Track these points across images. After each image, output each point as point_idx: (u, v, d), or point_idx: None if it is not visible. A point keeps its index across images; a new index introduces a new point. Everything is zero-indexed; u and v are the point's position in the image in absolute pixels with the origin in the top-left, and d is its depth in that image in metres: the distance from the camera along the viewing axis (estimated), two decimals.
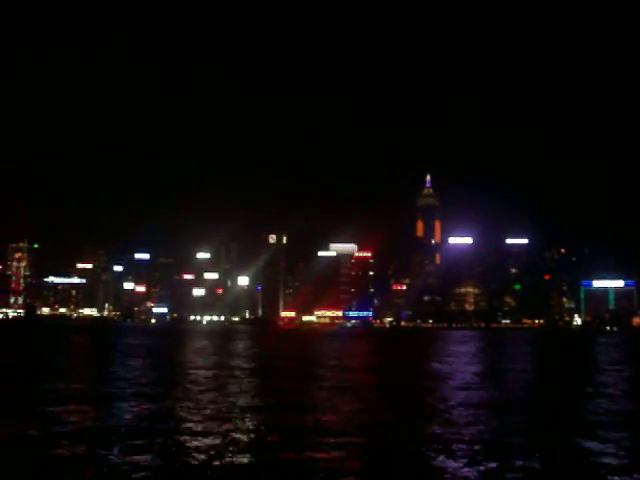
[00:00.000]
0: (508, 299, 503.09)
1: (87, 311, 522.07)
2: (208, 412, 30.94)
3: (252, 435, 25.25)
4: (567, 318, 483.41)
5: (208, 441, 23.43)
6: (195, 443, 22.91)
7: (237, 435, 25.00)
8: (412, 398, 37.36)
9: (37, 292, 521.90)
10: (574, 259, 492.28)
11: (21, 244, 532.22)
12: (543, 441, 24.15)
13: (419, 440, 24.15)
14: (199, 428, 26.20)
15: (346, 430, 26.05)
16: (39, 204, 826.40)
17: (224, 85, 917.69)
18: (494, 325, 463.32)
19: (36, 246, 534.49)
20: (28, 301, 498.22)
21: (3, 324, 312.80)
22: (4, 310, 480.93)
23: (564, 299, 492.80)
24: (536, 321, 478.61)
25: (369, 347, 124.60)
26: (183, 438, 24.04)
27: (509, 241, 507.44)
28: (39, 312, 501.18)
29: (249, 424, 27.77)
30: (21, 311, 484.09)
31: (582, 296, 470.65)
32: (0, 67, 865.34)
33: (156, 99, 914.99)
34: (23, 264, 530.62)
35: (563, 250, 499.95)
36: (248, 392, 39.41)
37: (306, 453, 21.89)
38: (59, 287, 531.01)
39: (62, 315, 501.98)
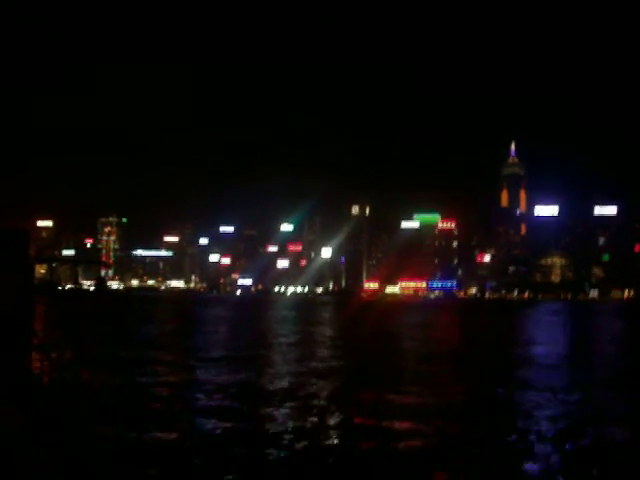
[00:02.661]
0: (596, 270, 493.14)
1: (174, 283, 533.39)
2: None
3: None
4: None
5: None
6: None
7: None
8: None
9: (126, 265, 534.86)
10: None
11: (110, 218, 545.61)
12: None
13: None
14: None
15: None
16: (127, 179, 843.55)
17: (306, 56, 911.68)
18: (581, 297, 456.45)
19: (124, 220, 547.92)
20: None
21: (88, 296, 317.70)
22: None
23: None
24: (625, 293, 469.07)
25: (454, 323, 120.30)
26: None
27: (597, 210, 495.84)
28: (129, 284, 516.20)
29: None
30: (114, 283, 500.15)
31: None
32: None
33: (233, 72, 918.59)
34: (112, 238, 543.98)
35: None
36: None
37: None
38: (147, 260, 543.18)
39: (151, 287, 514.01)
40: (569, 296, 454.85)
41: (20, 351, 16.49)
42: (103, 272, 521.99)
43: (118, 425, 21.32)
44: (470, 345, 58.11)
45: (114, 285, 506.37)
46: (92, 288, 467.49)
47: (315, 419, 24.34)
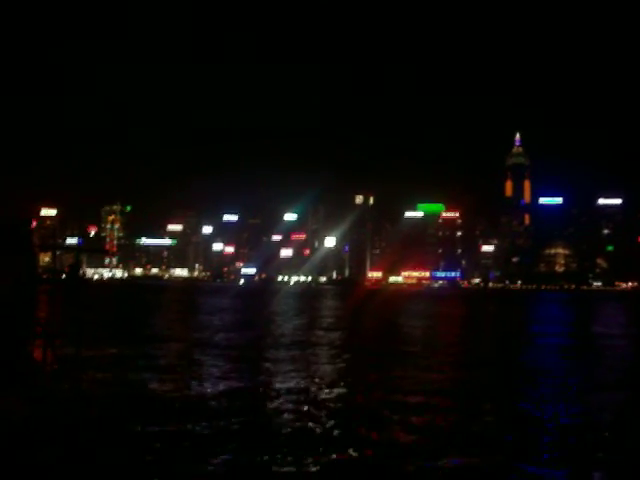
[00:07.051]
0: (600, 261, 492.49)
1: (178, 272, 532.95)
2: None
3: None
4: None
5: None
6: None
7: None
8: None
9: (130, 253, 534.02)
10: None
11: (114, 207, 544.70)
12: None
13: None
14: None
15: None
16: (131, 167, 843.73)
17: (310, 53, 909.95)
18: (584, 287, 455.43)
19: (128, 208, 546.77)
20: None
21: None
22: (100, 270, 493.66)
23: None
24: (629, 284, 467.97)
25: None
26: None
27: (602, 201, 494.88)
28: (132, 273, 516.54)
29: None
30: (117, 272, 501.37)
31: None
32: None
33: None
34: (116, 226, 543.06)
35: None
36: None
37: None
38: (151, 248, 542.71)
39: (154, 276, 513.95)
40: (572, 287, 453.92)
41: (23, 340, 16.27)
42: (107, 260, 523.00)
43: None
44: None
45: (118, 274, 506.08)
46: (106, 277, 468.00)
47: None
